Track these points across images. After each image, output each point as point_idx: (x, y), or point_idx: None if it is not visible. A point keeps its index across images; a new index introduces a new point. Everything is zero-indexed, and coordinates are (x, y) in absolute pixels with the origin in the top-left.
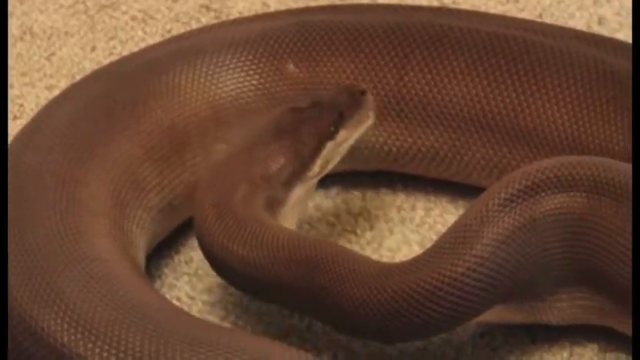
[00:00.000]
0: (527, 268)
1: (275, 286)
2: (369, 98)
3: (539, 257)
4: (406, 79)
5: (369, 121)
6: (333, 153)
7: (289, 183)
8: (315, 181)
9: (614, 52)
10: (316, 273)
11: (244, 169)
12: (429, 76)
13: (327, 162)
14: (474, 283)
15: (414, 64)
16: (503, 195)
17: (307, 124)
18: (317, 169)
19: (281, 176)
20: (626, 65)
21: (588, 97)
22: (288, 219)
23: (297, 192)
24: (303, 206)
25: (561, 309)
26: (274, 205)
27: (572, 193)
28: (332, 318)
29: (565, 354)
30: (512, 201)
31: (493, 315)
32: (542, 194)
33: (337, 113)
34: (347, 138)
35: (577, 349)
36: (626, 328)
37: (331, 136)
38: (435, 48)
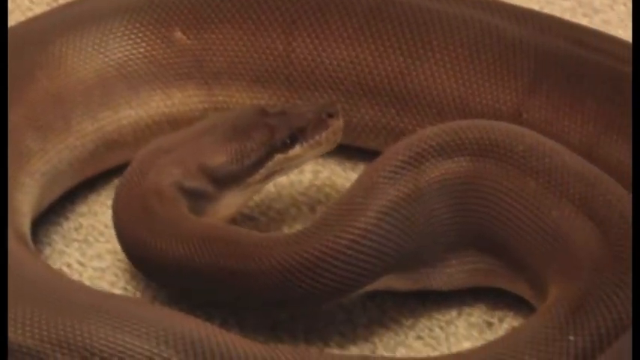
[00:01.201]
0: (414, 237)
1: (190, 277)
2: (338, 122)
3: (427, 225)
4: (294, 44)
5: (328, 145)
6: (282, 166)
7: (223, 183)
8: (257, 188)
9: (500, 14)
10: (218, 254)
11: (185, 152)
12: (316, 41)
13: (272, 173)
14: (357, 255)
15: (301, 29)
16: (387, 167)
17: (263, 130)
18: (257, 178)
19: (217, 173)
20: (513, 27)
21: (475, 59)
22: (211, 216)
23: (229, 194)
24: (234, 209)
25: (451, 274)
26: (200, 198)
27: (456, 159)
28: (231, 295)
29: (454, 313)
30: (396, 172)
31: (382, 284)
32: (427, 163)
33: (297, 128)
34: (300, 155)
35: (466, 309)
36: (514, 287)
37: (283, 149)
38: (322, 14)
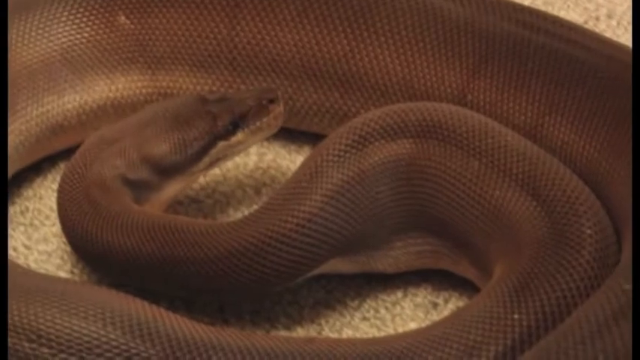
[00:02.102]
0: (359, 220)
1: (137, 268)
2: (279, 108)
3: (372, 209)
4: (238, 27)
5: (270, 130)
6: (225, 152)
7: (167, 172)
8: (197, 175)
9: None
10: (164, 244)
11: (128, 143)
12: (260, 25)
13: (216, 160)
14: (302, 239)
15: (245, 12)
16: (331, 151)
17: (205, 118)
18: (201, 166)
19: (161, 163)
20: (458, 9)
21: (419, 40)
22: (154, 205)
23: (173, 183)
24: (175, 195)
25: (396, 257)
26: (144, 188)
27: (399, 141)
28: (178, 284)
29: (399, 294)
30: (340, 157)
31: (328, 267)
32: (370, 146)
33: (239, 114)
34: (242, 142)
35: (411, 289)
36: (459, 268)
37: (225, 136)
38: None
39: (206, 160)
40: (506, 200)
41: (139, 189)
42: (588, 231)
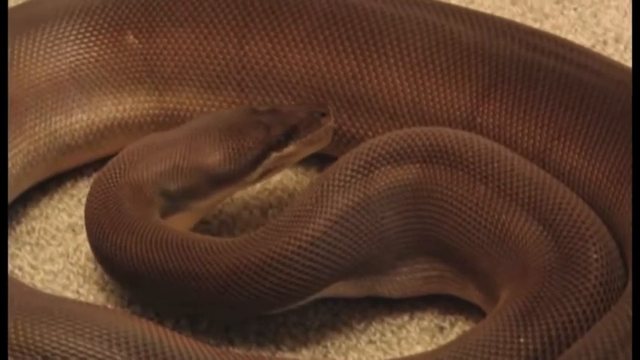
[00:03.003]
0: (364, 245)
1: (142, 276)
2: (330, 122)
3: (377, 233)
4: (247, 48)
5: (321, 143)
6: (276, 164)
7: (219, 182)
8: (246, 186)
9: (455, 18)
10: (169, 257)
11: (177, 150)
12: (269, 45)
13: (267, 172)
14: (304, 262)
15: (254, 33)
16: (337, 175)
17: (258, 129)
18: (255, 177)
19: (214, 172)
20: (468, 31)
21: (428, 63)
22: (196, 214)
23: (223, 192)
24: (214, 204)
25: (401, 282)
26: (191, 196)
27: (405, 166)
28: (181, 299)
29: (406, 317)
30: (346, 181)
31: (332, 291)
32: (376, 171)
33: (291, 126)
34: (294, 153)
35: (417, 313)
36: (465, 293)
37: (278, 147)
38: (275, 17)
39: (259, 170)
40: (513, 225)
41: (179, 198)
42: (594, 255)
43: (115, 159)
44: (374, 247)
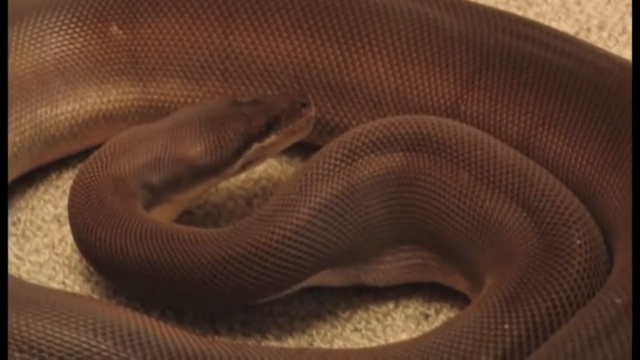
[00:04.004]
0: (348, 234)
1: (127, 269)
2: (311, 112)
3: (361, 222)
4: (231, 38)
5: (302, 133)
6: (258, 155)
7: (200, 174)
8: (227, 178)
9: (438, 6)
10: (154, 249)
11: (159, 143)
12: (253, 35)
13: (249, 162)
14: (289, 251)
15: (238, 23)
16: (321, 164)
17: (239, 120)
18: (237, 168)
19: (196, 164)
20: (452, 19)
21: (412, 51)
22: (179, 205)
23: (206, 184)
24: (196, 197)
25: (386, 270)
26: (168, 189)
27: (388, 154)
28: (166, 290)
29: (391, 305)
30: (329, 170)
31: (317, 280)
32: (360, 160)
33: (272, 116)
34: (276, 144)
35: (402, 300)
36: (450, 280)
37: (260, 138)
38: (259, 6)
39: (241, 161)
40: (496, 211)
41: (161, 190)
42: (578, 241)
43: (97, 152)
44: (358, 236)
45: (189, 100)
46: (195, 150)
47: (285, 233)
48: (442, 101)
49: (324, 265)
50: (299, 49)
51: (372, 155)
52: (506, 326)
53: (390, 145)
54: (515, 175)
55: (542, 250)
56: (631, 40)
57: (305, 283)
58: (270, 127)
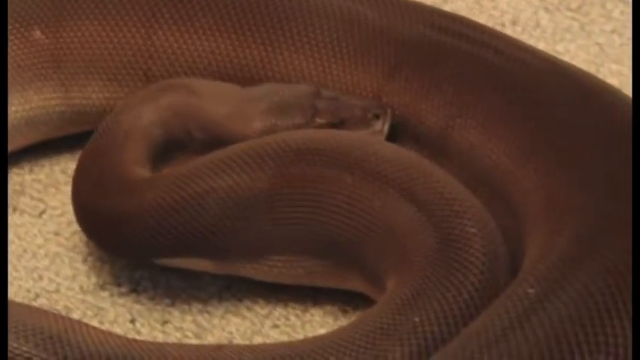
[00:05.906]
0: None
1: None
2: (380, 127)
3: (248, 228)
4: (154, 38)
5: None
6: None
7: None
8: None
9: (360, 1)
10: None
11: (211, 105)
12: (177, 34)
13: None
14: (178, 218)
15: (161, 22)
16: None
17: (305, 112)
18: None
19: (242, 139)
20: (374, 14)
21: (335, 46)
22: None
23: None
24: None
25: (279, 274)
26: (198, 151)
27: (254, 176)
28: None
29: (309, 301)
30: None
31: (193, 264)
32: (230, 180)
33: (339, 118)
34: None
35: (321, 297)
36: (350, 285)
37: None
38: (182, 6)
39: None
40: (386, 210)
41: (182, 149)
42: (472, 230)
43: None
44: (247, 238)
45: (112, 102)
46: (252, 126)
47: (178, 199)
48: (364, 94)
49: (204, 249)
50: (222, 46)
51: (240, 177)
52: (417, 319)
53: (257, 167)
54: (399, 169)
55: (439, 244)
56: (543, 35)
57: (182, 263)
58: (332, 127)
